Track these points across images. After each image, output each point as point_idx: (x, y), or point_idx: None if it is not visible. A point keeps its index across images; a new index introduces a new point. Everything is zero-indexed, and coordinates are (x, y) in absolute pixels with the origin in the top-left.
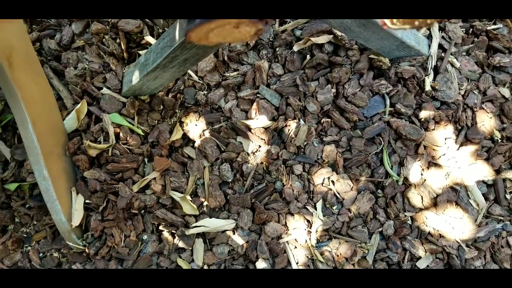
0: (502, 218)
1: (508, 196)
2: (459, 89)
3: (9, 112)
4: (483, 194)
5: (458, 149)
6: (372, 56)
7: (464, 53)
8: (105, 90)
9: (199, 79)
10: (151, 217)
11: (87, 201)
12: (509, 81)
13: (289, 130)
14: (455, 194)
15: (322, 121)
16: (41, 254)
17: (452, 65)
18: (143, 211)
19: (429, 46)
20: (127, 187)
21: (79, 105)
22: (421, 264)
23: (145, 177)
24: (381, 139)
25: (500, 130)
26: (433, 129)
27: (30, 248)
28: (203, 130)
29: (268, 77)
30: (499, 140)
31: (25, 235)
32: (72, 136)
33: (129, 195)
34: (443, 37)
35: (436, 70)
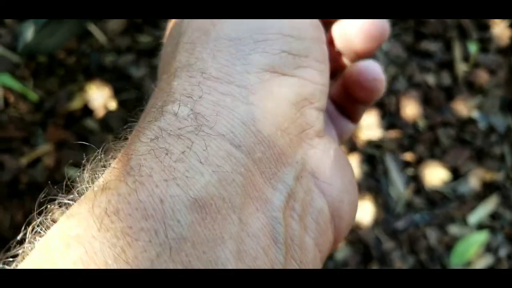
0: (421, 209)
1: (428, 187)
2: (385, 73)
3: None
4: (404, 184)
5: (381, 135)
6: None
7: (391, 37)
8: None
9: (107, 42)
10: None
11: None
12: (434, 68)
13: None
14: (375, 183)
15: None
16: None
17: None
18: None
19: None
20: (15, 159)
21: None
22: (339, 255)
23: (36, 149)
24: None
25: (424, 118)
26: None
27: None
28: (109, 100)
29: None
30: (422, 129)
31: None
32: None
33: (16, 168)
34: None
35: None
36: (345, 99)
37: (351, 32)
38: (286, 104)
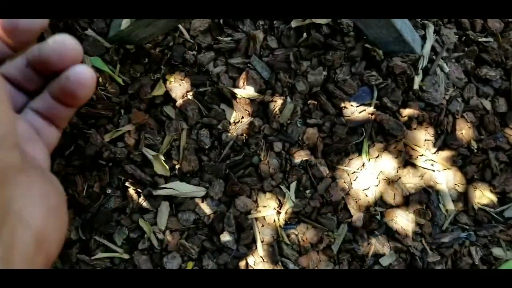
0: (467, 227)
1: (475, 207)
2: (445, 94)
3: None
4: (453, 201)
5: (435, 153)
6: (367, 45)
7: (453, 60)
8: (89, 32)
9: (190, 38)
10: (119, 171)
11: None
12: (492, 94)
13: (274, 105)
14: (427, 196)
15: (308, 102)
16: None
17: (441, 69)
18: (111, 163)
19: (422, 46)
20: (99, 135)
21: None
22: (384, 261)
23: (119, 128)
24: (363, 130)
25: (477, 141)
26: (415, 129)
27: None
28: (187, 91)
29: (262, 49)
30: (475, 151)
31: None
32: None
33: (100, 143)
34: (436, 40)
35: (426, 72)
36: (53, 109)
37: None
38: None
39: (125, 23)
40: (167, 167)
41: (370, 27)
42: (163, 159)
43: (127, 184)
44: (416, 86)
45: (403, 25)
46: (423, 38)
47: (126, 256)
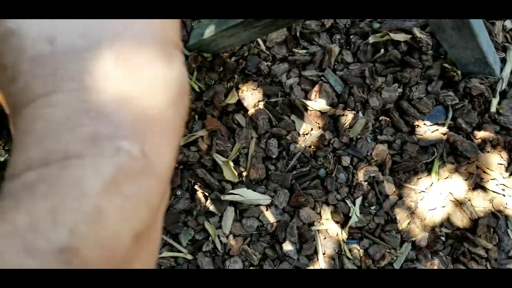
0: None
1: None
2: None
3: None
4: None
5: (507, 177)
6: (445, 65)
7: None
8: None
9: (266, 49)
10: (190, 174)
11: None
12: None
13: (345, 120)
14: (495, 221)
15: (380, 118)
16: None
17: None
18: (182, 166)
19: (502, 69)
20: None
21: None
22: None
23: (193, 133)
24: (434, 149)
25: None
26: (488, 152)
27: None
28: (259, 101)
29: (336, 63)
30: None
31: None
32: None
33: None
34: None
35: (504, 95)
36: None
37: None
38: None
39: (208, 32)
40: (236, 173)
41: (455, 47)
42: (232, 165)
43: (196, 187)
44: (493, 109)
45: (488, 47)
46: (503, 61)
47: (189, 257)
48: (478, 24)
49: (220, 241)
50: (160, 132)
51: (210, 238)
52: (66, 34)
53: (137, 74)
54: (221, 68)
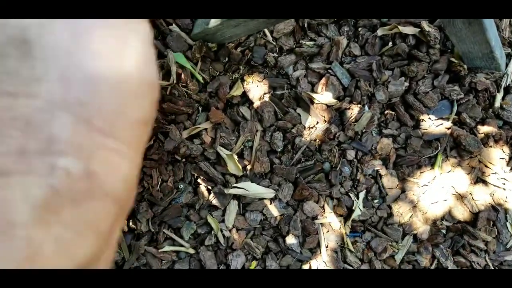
0: None
1: None
2: None
3: None
4: None
5: (508, 171)
6: (452, 59)
7: None
8: (174, 27)
9: (272, 40)
10: (193, 168)
11: None
12: None
13: (351, 113)
14: (495, 214)
15: (386, 112)
16: None
17: None
18: (185, 159)
19: (507, 64)
20: (178, 131)
21: None
22: None
23: (197, 125)
24: (438, 144)
25: None
26: (491, 146)
27: None
28: (264, 93)
29: (344, 55)
30: None
31: None
32: None
33: (179, 139)
34: None
35: (508, 90)
36: None
37: None
38: None
39: (214, 21)
40: (240, 166)
41: (464, 42)
42: (236, 158)
43: (199, 180)
44: (497, 104)
45: (496, 42)
46: (508, 56)
47: (192, 251)
48: (488, 19)
49: (223, 235)
50: (112, 143)
51: (212, 232)
52: None
53: (77, 71)
54: (226, 59)
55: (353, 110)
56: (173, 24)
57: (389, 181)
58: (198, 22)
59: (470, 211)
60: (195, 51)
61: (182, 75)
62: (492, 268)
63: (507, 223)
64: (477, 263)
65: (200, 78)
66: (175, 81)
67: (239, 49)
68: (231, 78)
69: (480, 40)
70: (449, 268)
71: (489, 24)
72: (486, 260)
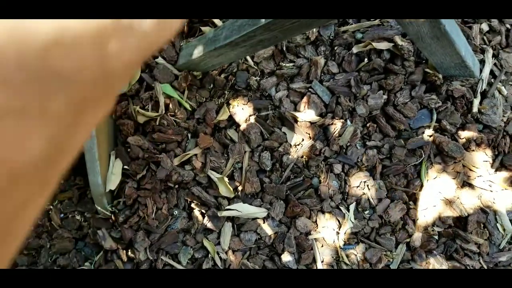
0: None
1: None
2: (503, 116)
3: None
4: (510, 220)
5: (493, 173)
6: (427, 70)
7: (511, 83)
8: (160, 60)
9: (254, 65)
10: (186, 193)
11: (125, 167)
12: None
13: (334, 128)
14: (484, 216)
15: (368, 125)
16: (62, 215)
17: (500, 92)
18: (178, 186)
19: (481, 70)
20: (169, 159)
21: None
22: None
23: (187, 152)
24: (422, 152)
25: None
26: (473, 150)
27: (52, 207)
28: (249, 115)
29: (323, 74)
30: None
31: None
32: (119, 100)
33: (170, 167)
34: (495, 64)
35: (484, 95)
36: None
37: None
38: None
39: (197, 53)
40: (231, 188)
41: (435, 55)
42: (227, 181)
43: (192, 205)
44: (475, 109)
45: (466, 51)
46: (482, 62)
47: None
48: (455, 32)
49: (220, 257)
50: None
51: (209, 255)
52: None
53: None
54: (211, 85)
55: (336, 125)
56: (159, 57)
57: (377, 192)
58: (182, 53)
59: (459, 215)
60: (181, 80)
61: (170, 105)
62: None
63: (497, 224)
64: (472, 266)
65: (187, 106)
66: (163, 111)
67: (222, 75)
68: (217, 103)
69: (450, 52)
70: None
71: (456, 36)
72: (480, 263)
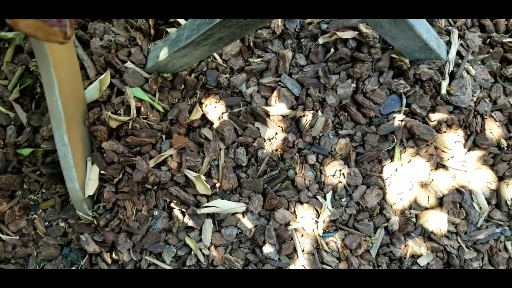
0: (501, 223)
1: (508, 202)
2: (472, 95)
3: (29, 77)
4: (485, 199)
5: (466, 153)
6: (393, 55)
7: (479, 62)
8: (129, 64)
9: (223, 62)
10: (164, 194)
11: (102, 172)
12: None
13: (306, 120)
14: (460, 196)
15: (339, 114)
16: (47, 223)
17: (468, 72)
18: (156, 187)
19: (448, 52)
20: (144, 161)
21: (102, 76)
22: (422, 261)
23: (162, 153)
24: (394, 137)
25: (506, 139)
26: (445, 132)
27: (36, 216)
28: (222, 113)
29: (291, 67)
30: (505, 148)
31: (32, 202)
32: (91, 107)
33: (146, 169)
34: (461, 44)
35: (452, 76)
36: None
37: None
38: None
39: (163, 54)
40: (209, 186)
41: (397, 39)
42: (204, 179)
43: (172, 205)
44: (443, 91)
45: (428, 34)
46: (448, 43)
47: None
48: None
49: (203, 254)
50: None
51: (192, 252)
52: None
53: None
54: (183, 86)
55: (308, 117)
56: (128, 61)
57: (353, 179)
58: (150, 56)
59: (435, 197)
60: (152, 83)
61: (142, 108)
62: (466, 248)
63: (473, 203)
64: (451, 246)
65: (160, 108)
66: (135, 115)
67: (193, 75)
68: (189, 103)
69: (411, 35)
70: (424, 255)
71: (415, 19)
72: (458, 242)
